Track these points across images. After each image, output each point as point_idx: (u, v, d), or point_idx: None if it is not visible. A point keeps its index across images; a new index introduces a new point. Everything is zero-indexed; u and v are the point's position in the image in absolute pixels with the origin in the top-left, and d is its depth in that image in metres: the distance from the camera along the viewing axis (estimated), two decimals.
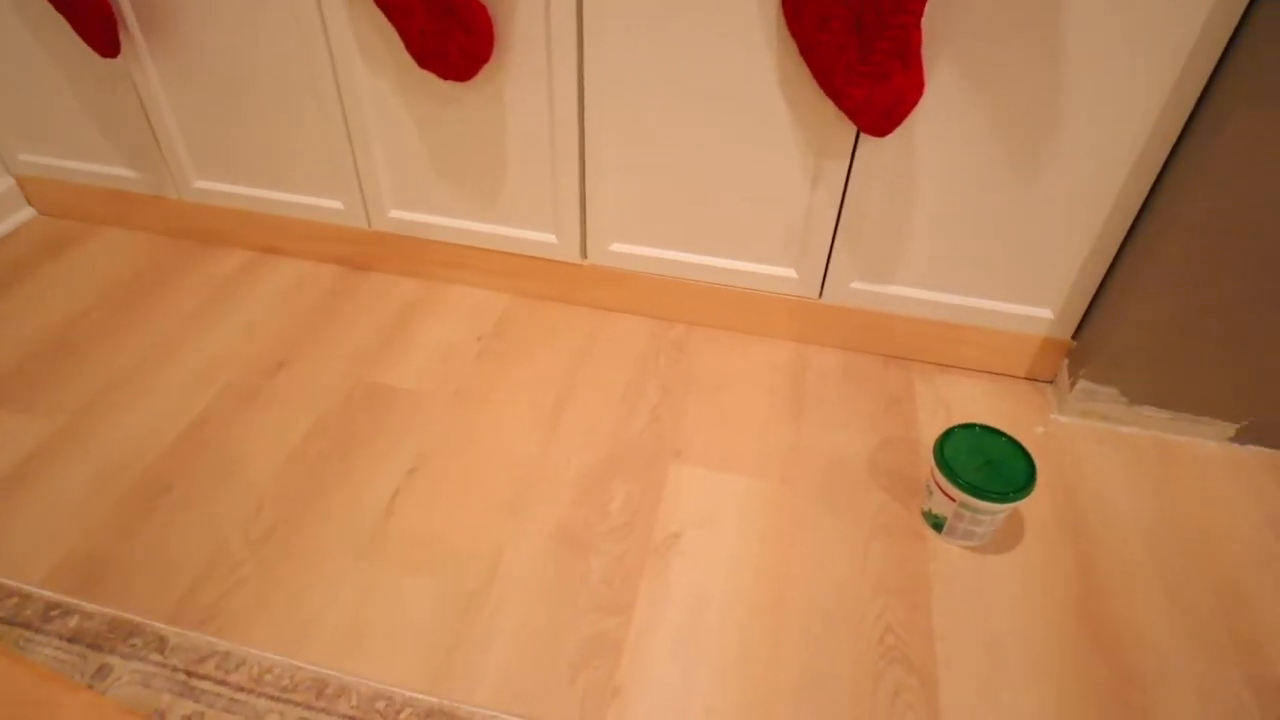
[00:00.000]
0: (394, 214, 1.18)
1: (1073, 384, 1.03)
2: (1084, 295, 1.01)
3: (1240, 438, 1.03)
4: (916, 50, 0.83)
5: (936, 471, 0.85)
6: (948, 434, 0.87)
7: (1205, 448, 1.03)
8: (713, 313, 1.15)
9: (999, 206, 0.96)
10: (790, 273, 1.08)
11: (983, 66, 0.86)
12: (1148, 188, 0.91)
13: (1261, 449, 1.03)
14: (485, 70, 0.99)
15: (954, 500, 0.84)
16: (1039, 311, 1.04)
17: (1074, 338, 1.05)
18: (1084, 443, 1.02)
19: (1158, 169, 0.89)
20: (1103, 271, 0.98)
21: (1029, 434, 1.03)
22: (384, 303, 1.20)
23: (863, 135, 0.93)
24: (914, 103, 0.86)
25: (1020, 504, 0.93)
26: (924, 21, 0.84)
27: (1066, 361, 1.07)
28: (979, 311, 1.06)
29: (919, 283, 1.06)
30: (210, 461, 0.95)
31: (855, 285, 1.07)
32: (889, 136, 0.93)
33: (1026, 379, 1.11)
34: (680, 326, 1.17)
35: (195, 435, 0.98)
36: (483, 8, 0.93)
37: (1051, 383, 1.10)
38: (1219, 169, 0.82)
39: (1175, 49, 0.81)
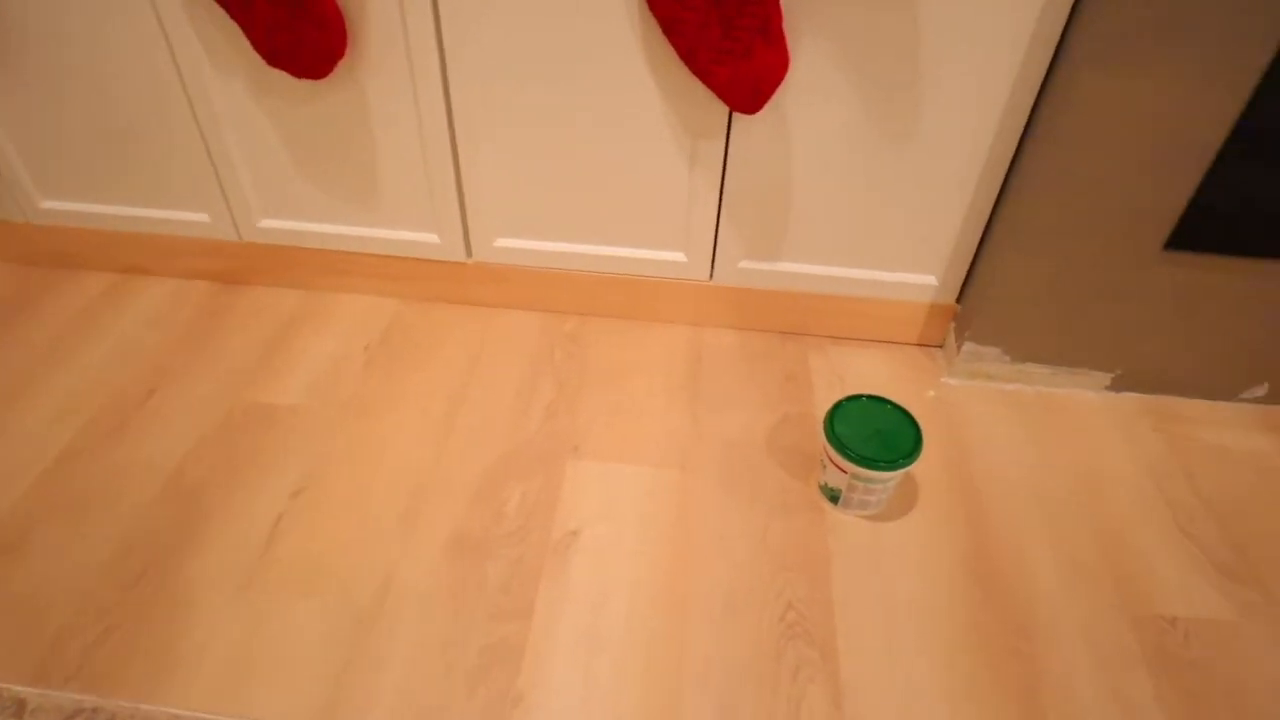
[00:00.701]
0: (264, 223, 1.12)
1: (959, 347, 1.06)
2: (964, 260, 1.03)
3: (1115, 386, 1.07)
4: (778, 25, 0.83)
5: (828, 446, 0.85)
6: (837, 407, 0.87)
7: (1084, 398, 1.07)
8: (605, 302, 1.14)
9: (876, 177, 0.97)
10: (679, 256, 1.07)
11: (846, 37, 0.86)
12: (1012, 149, 0.93)
13: (1135, 395, 1.08)
14: (341, 66, 0.94)
15: (846, 472, 0.85)
16: (924, 279, 1.06)
17: (958, 302, 1.08)
18: (973, 403, 1.05)
19: (1020, 130, 0.91)
20: (978, 235, 1.01)
21: (921, 399, 1.05)
22: (263, 318, 1.14)
23: (735, 113, 0.93)
24: (780, 78, 0.86)
25: (910, 469, 0.95)
26: None
27: (953, 326, 1.09)
28: (867, 283, 1.07)
29: (807, 258, 1.06)
30: (72, 504, 0.89)
31: (744, 265, 1.07)
32: (760, 113, 0.92)
33: (918, 345, 1.13)
34: (574, 319, 1.15)
35: (54, 478, 0.91)
36: (334, 2, 0.88)
37: (941, 347, 1.13)
38: (1070, 128, 0.85)
39: (1029, 7, 0.82)
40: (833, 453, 0.85)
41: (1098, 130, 0.84)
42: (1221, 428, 1.04)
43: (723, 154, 0.96)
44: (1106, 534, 0.90)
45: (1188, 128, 0.83)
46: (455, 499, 0.90)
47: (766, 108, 0.92)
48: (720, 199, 1.01)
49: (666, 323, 1.15)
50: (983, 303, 1.01)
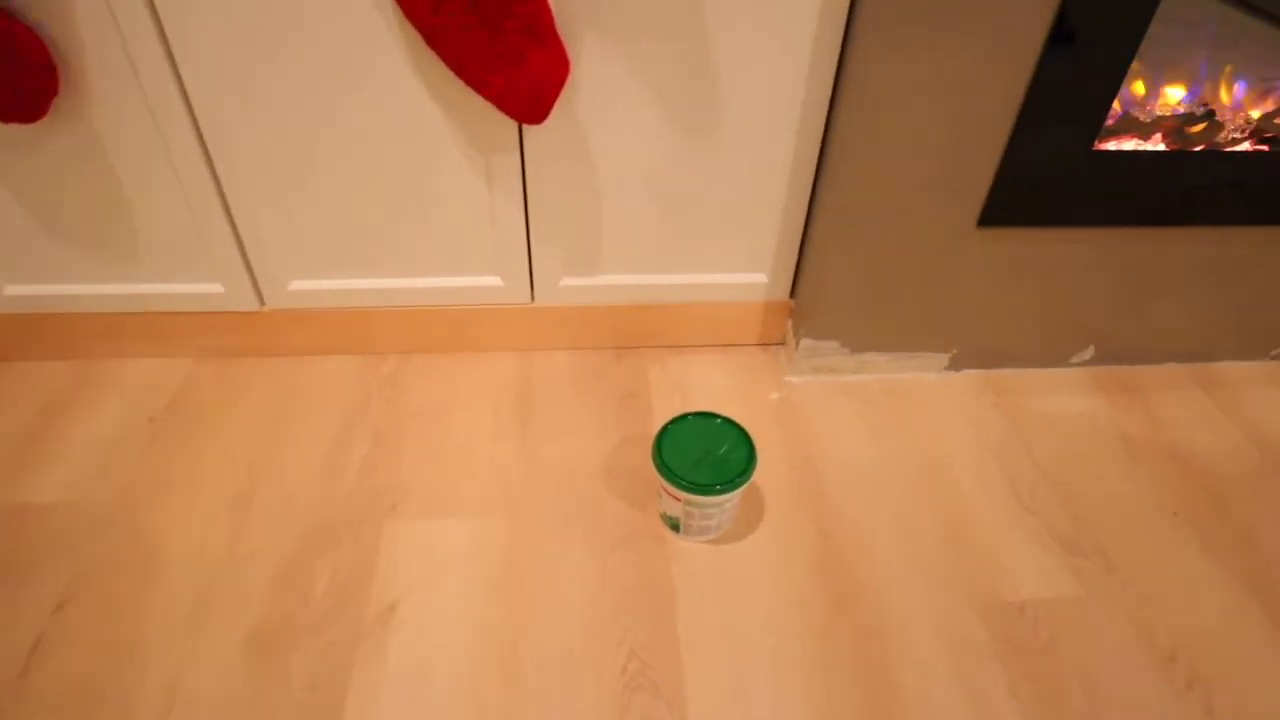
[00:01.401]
0: (11, 290, 0.97)
1: (797, 344, 1.02)
2: (790, 254, 1.00)
3: (954, 365, 1.07)
4: (549, 24, 0.76)
5: (657, 475, 0.79)
6: (664, 432, 0.81)
7: (926, 381, 1.06)
8: (425, 337, 1.05)
9: (687, 177, 0.92)
10: (495, 280, 0.99)
11: (630, 31, 0.80)
12: (819, 137, 0.89)
13: (973, 372, 1.07)
14: (59, 103, 0.81)
15: (680, 500, 0.79)
16: (754, 277, 1.02)
17: (792, 297, 1.05)
18: (816, 400, 1.02)
19: (823, 117, 0.88)
20: (800, 228, 0.97)
21: (765, 403, 1.01)
22: (22, 399, 0.99)
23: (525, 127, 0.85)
24: (561, 82, 0.79)
25: (751, 482, 0.90)
26: None
27: (790, 322, 1.06)
28: (697, 287, 1.02)
29: (630, 269, 1.00)
30: None
31: (566, 282, 1.00)
32: (548, 122, 0.85)
33: (759, 345, 1.10)
34: (393, 358, 1.05)
35: None
36: (30, 33, 0.75)
37: (783, 344, 1.10)
38: (868, 110, 0.82)
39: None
40: (663, 482, 0.79)
41: (894, 111, 0.81)
42: (1054, 395, 1.05)
43: (519, 168, 0.89)
44: (953, 521, 0.88)
45: (980, 103, 0.81)
46: (253, 586, 0.79)
47: (554, 115, 0.85)
48: (526, 216, 0.93)
49: (494, 351, 1.07)
50: (814, 296, 0.97)
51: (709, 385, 1.03)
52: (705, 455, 0.80)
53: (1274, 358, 1.13)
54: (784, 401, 1.01)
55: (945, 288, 0.97)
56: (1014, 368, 1.08)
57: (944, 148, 0.84)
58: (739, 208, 0.95)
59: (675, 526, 0.83)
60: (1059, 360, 1.08)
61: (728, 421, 0.83)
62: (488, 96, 0.79)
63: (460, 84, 0.82)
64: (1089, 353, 1.08)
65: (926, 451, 0.96)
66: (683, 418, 0.83)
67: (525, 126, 0.85)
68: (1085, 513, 0.90)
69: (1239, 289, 1.03)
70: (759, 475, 0.92)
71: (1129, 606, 0.81)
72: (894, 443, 0.97)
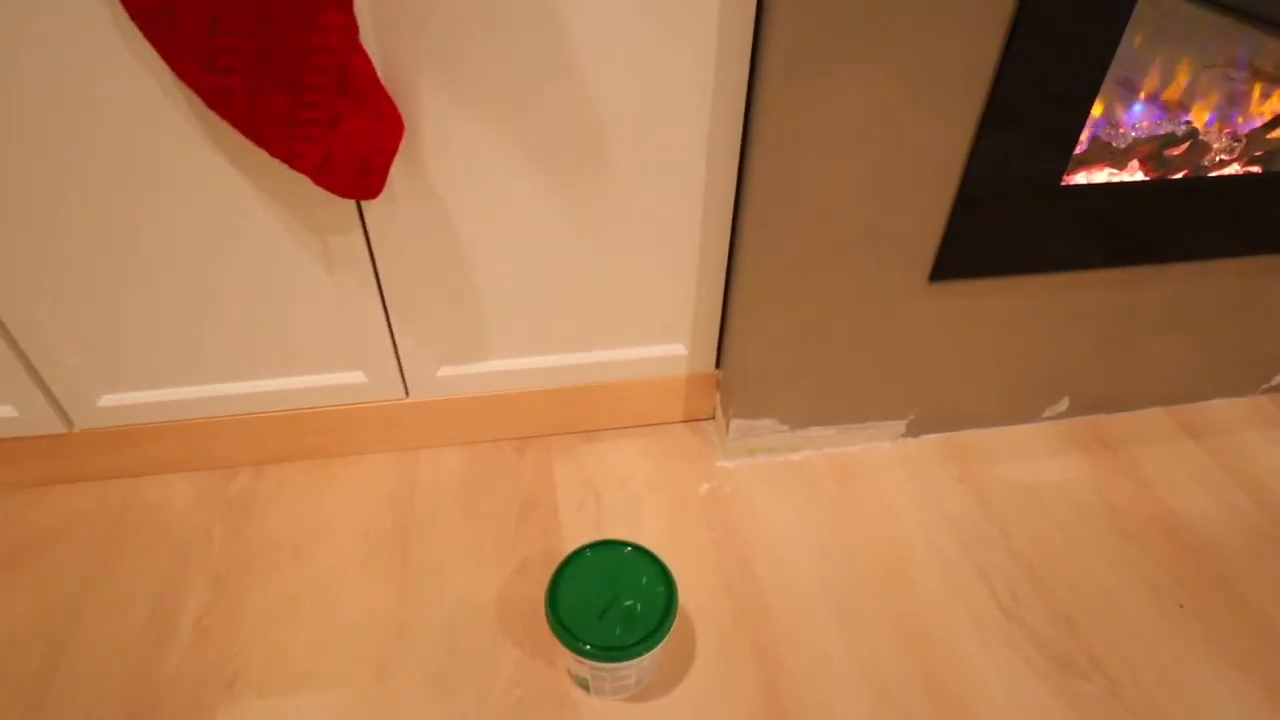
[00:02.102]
0: None
1: (728, 424, 0.87)
2: (711, 320, 0.84)
3: (912, 430, 0.92)
4: (368, 78, 0.59)
5: (554, 636, 0.63)
6: (559, 575, 0.65)
7: (881, 452, 0.91)
8: (281, 445, 0.87)
9: (577, 245, 0.75)
10: (357, 376, 0.82)
11: (488, 83, 0.63)
12: (732, 187, 0.74)
13: (934, 437, 0.93)
14: None
15: (584, 663, 0.63)
16: (672, 349, 0.86)
17: (718, 367, 0.89)
18: (753, 487, 0.86)
19: (735, 165, 0.72)
20: (720, 290, 0.82)
21: (692, 497, 0.85)
22: None
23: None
24: (392, 148, 0.62)
25: (667, 640, 0.74)
26: (373, 37, 0.60)
27: (718, 397, 0.91)
28: (607, 365, 0.86)
29: (524, 350, 0.84)
30: None
31: (445, 372, 0.83)
32: (393, 194, 0.68)
33: (685, 422, 0.94)
34: (245, 473, 0.87)
35: None
36: None
37: (713, 418, 0.94)
38: (782, 156, 0.66)
39: (705, 16, 0.63)
40: (561, 646, 0.62)
41: (817, 154, 0.66)
42: (1027, 457, 0.91)
43: (365, 248, 0.72)
44: (919, 638, 0.73)
45: (923, 139, 0.66)
46: None
47: (398, 186, 0.68)
48: (383, 302, 0.76)
49: (370, 454, 0.89)
50: (743, 367, 0.82)
51: (627, 479, 0.87)
52: (613, 602, 0.63)
53: (1265, 392, 1.00)
54: (715, 494, 0.86)
55: (896, 349, 0.82)
56: (980, 427, 0.94)
57: (882, 193, 0.69)
58: (645, 274, 0.79)
59: (585, 685, 0.67)
60: (1029, 415, 0.94)
61: (639, 551, 0.66)
62: (302, 170, 0.62)
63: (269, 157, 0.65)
64: (1063, 404, 0.94)
65: (885, 546, 0.81)
66: (580, 553, 0.66)
67: (363, 202, 0.68)
68: (1076, 614, 0.76)
69: (1226, 324, 0.89)
70: (688, 596, 0.76)
71: None
72: (847, 536, 0.81)
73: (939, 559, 0.80)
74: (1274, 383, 0.99)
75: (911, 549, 0.81)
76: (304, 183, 0.67)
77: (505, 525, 0.82)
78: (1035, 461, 0.91)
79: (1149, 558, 0.81)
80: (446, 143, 0.66)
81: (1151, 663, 0.72)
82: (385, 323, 0.78)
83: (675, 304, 0.82)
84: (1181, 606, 0.77)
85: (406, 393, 0.84)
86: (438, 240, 0.72)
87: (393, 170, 0.67)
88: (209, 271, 0.71)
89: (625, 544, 0.67)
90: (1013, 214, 0.72)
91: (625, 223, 0.75)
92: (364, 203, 0.68)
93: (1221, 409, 0.98)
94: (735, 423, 0.85)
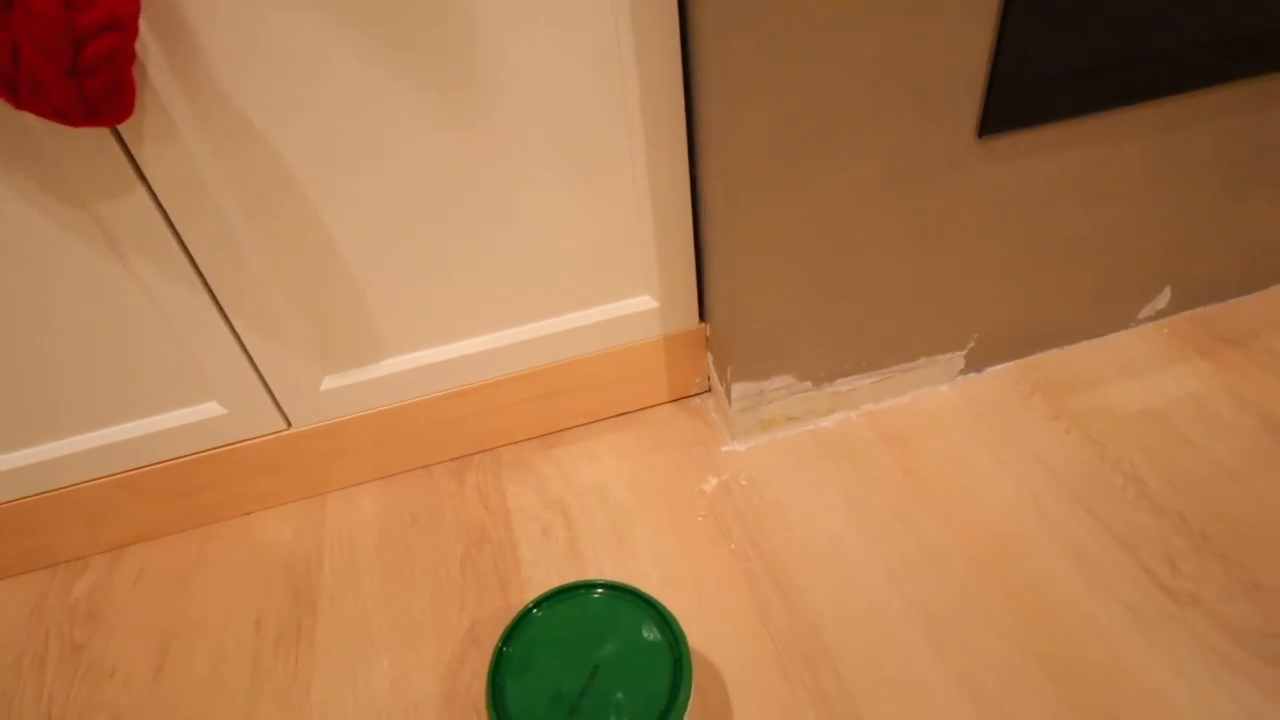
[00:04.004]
0: None
1: (729, 392, 0.64)
2: (683, 258, 0.61)
3: (974, 364, 0.69)
4: None
5: None
6: (500, 658, 0.42)
7: (938, 397, 0.68)
8: (140, 516, 0.64)
9: (477, 175, 0.53)
10: (213, 408, 0.59)
11: None
12: (677, 53, 0.51)
13: (1005, 366, 0.70)
14: None
15: None
16: (636, 303, 0.63)
17: (704, 320, 0.66)
18: (778, 472, 0.63)
19: (675, 12, 0.50)
20: (686, 213, 0.59)
21: (696, 501, 0.62)
22: None
23: (128, 134, 0.46)
24: (127, 19, 0.39)
25: None
26: None
27: (711, 358, 0.68)
28: (552, 339, 0.63)
29: (432, 337, 0.61)
30: None
31: (330, 384, 0.60)
32: (179, 109, 0.46)
33: (675, 402, 0.71)
34: (96, 564, 0.64)
35: None
36: None
37: (709, 392, 0.71)
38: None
39: None
40: None
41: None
42: (1135, 377, 0.68)
43: (158, 213, 0.49)
44: (1054, 650, 0.50)
45: None
46: None
47: (172, 101, 0.45)
48: (211, 292, 0.54)
49: (257, 513, 0.66)
50: (735, 318, 0.59)
51: (604, 489, 0.64)
52: (589, 682, 0.40)
53: None
54: (727, 490, 0.63)
55: (941, 248, 0.60)
56: (1060, 345, 0.71)
57: (898, 2, 0.47)
58: (576, 205, 0.56)
59: None
60: (1122, 320, 0.71)
61: (617, 593, 0.43)
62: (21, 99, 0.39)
63: None
64: (1163, 298, 0.71)
65: (977, 527, 0.58)
66: (527, 616, 0.43)
67: (130, 136, 0.46)
68: (1268, 577, 0.53)
69: None
70: (710, 644, 0.53)
71: None
72: (920, 523, 0.58)
73: (1055, 532, 0.57)
74: None
75: (1015, 525, 0.58)
76: (20, 123, 0.44)
77: (445, 577, 0.59)
78: (1145, 378, 0.68)
79: None
80: (251, 28, 0.44)
81: None
82: (225, 324, 0.55)
83: (629, 240, 0.60)
84: None
85: (288, 421, 0.62)
86: (264, 188, 0.50)
87: (154, 73, 0.44)
88: None
89: (594, 585, 0.44)
90: (1086, 36, 0.50)
91: (534, 133, 0.52)
92: (127, 137, 0.46)
93: None
94: (738, 388, 0.62)
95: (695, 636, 0.53)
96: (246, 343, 0.56)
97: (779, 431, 0.66)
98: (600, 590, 0.44)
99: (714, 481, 0.63)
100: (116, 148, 0.46)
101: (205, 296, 0.53)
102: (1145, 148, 0.59)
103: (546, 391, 0.66)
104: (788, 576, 0.56)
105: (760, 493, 0.62)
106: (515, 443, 0.69)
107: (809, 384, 0.64)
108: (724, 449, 0.66)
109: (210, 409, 0.59)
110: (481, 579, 0.59)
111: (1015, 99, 0.52)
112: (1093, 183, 0.59)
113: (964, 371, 0.69)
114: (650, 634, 0.42)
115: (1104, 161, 0.58)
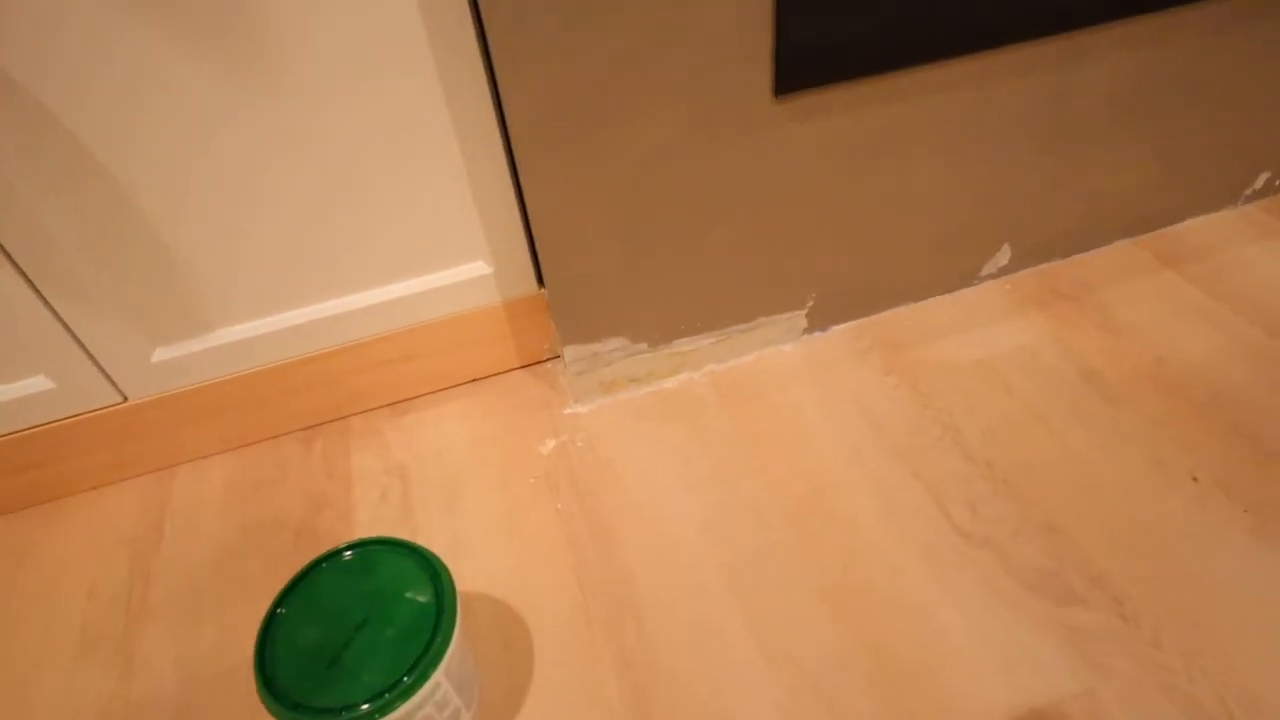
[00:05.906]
0: None
1: (563, 355, 0.65)
2: (510, 222, 0.62)
3: (817, 322, 0.71)
4: None
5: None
6: (270, 620, 0.43)
7: (780, 356, 0.70)
8: None
9: (272, 142, 0.53)
10: (40, 382, 0.59)
11: None
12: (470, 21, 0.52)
13: (847, 325, 0.72)
14: None
15: None
16: (471, 269, 0.64)
17: (543, 285, 0.67)
18: (615, 433, 0.65)
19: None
20: (505, 173, 0.59)
21: (534, 461, 0.63)
22: None
23: None
24: None
25: (447, 661, 0.53)
26: None
27: (554, 324, 0.69)
28: (386, 307, 0.63)
29: (264, 305, 0.61)
30: None
31: (162, 355, 0.61)
32: None
33: (525, 368, 0.72)
34: None
35: None
36: None
37: (560, 357, 0.72)
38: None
39: None
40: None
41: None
42: (971, 330, 0.70)
43: None
44: (848, 595, 0.52)
45: None
46: None
47: None
48: (14, 263, 0.54)
49: (101, 488, 0.67)
50: (567, 281, 0.60)
51: (443, 452, 0.65)
52: (353, 636, 0.42)
53: (1248, 200, 0.80)
54: (563, 451, 0.64)
55: (756, 204, 0.61)
56: (903, 304, 0.73)
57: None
58: (397, 170, 0.57)
59: None
60: (964, 277, 0.73)
61: (395, 547, 0.45)
62: None
63: None
64: (1004, 256, 0.73)
65: (798, 480, 0.60)
66: (306, 573, 0.44)
67: None
68: (1061, 519, 0.55)
69: (1192, 108, 0.69)
70: (525, 593, 0.54)
71: (1175, 678, 0.46)
72: (745, 478, 0.60)
73: (869, 482, 0.59)
74: (1258, 185, 0.79)
75: (832, 476, 0.60)
76: None
77: (280, 543, 0.60)
78: (981, 331, 0.70)
79: (1145, 423, 0.60)
80: (51, 16, 0.44)
81: (1173, 565, 0.51)
82: (36, 296, 0.55)
83: (452, 206, 0.60)
84: (1196, 480, 0.56)
85: (123, 395, 0.62)
86: (67, 168, 0.50)
87: None
88: None
89: (370, 543, 0.45)
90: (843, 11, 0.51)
91: (342, 104, 0.52)
92: None
93: (1199, 229, 0.78)
94: (571, 350, 0.64)
95: (512, 593, 0.55)
96: (64, 316, 0.56)
97: (622, 393, 0.68)
98: (362, 548, 0.45)
99: (551, 443, 0.64)
100: None
101: (10, 269, 0.53)
102: (956, 104, 0.60)
103: (391, 358, 0.67)
104: (609, 533, 0.58)
105: (595, 452, 0.63)
106: (366, 411, 0.69)
107: (644, 345, 0.65)
108: (566, 411, 0.67)
109: (38, 383, 0.59)
110: (317, 544, 0.60)
111: (806, 60, 0.53)
112: (907, 139, 0.61)
113: (808, 330, 0.71)
114: (420, 585, 0.43)
115: (915, 118, 0.60)
